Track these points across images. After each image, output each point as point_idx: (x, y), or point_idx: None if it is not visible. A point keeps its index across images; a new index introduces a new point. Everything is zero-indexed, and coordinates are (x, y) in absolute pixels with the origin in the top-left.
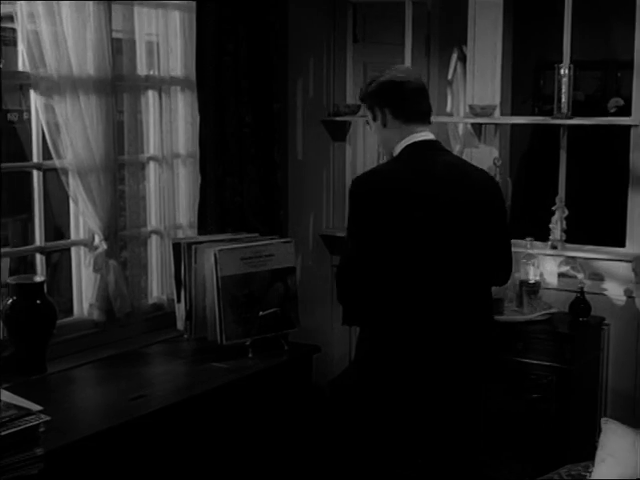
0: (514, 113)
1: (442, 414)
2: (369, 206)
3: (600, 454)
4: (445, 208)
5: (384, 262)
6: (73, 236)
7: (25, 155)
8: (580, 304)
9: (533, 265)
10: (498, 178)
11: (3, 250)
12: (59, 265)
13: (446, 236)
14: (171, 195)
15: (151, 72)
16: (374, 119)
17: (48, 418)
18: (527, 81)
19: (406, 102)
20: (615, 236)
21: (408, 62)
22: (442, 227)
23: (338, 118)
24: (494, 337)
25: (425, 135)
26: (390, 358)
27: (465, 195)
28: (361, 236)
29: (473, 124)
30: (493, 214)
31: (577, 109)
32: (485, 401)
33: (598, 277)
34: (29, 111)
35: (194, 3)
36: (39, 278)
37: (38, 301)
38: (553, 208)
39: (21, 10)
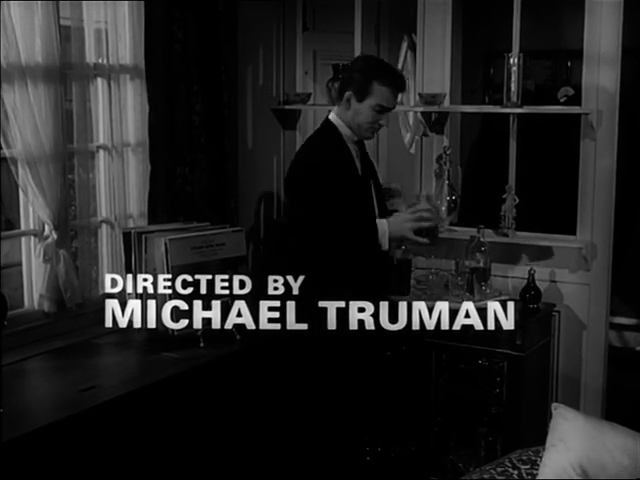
0: (464, 102)
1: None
2: None
3: (550, 439)
4: None
5: None
6: (23, 226)
7: None
8: (530, 291)
9: (484, 252)
10: (448, 166)
11: None
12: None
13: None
14: (121, 184)
15: (100, 60)
16: None
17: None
18: (477, 70)
19: None
20: (566, 223)
21: (358, 50)
22: None
23: (288, 107)
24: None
25: None
26: None
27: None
28: None
29: (423, 113)
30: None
31: (528, 98)
32: (436, 387)
33: (549, 264)
34: None
35: None
36: None
37: None
38: (503, 196)
39: None
